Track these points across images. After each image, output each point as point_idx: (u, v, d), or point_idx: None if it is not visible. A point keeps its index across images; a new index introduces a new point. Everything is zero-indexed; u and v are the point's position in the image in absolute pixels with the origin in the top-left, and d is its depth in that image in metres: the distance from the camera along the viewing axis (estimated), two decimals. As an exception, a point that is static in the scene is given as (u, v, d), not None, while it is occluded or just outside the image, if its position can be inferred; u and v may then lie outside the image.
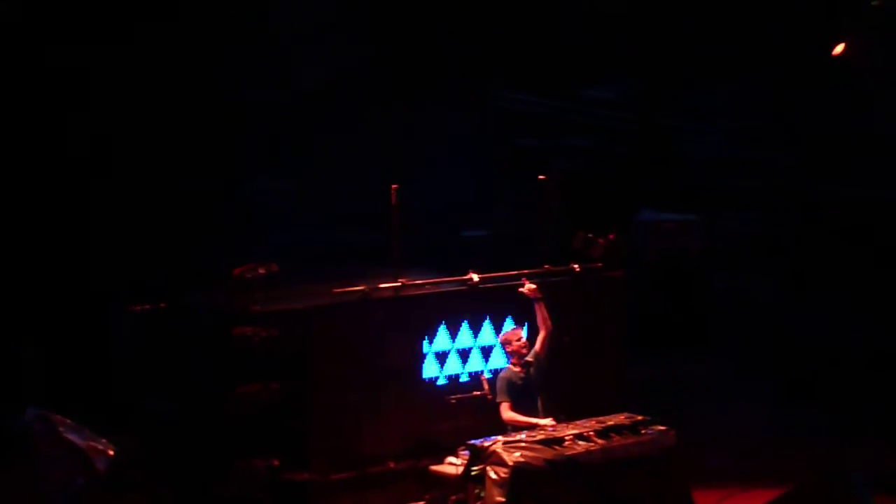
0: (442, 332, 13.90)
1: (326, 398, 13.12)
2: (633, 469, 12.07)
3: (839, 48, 14.59)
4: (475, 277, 13.95)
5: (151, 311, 12.83)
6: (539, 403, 12.68)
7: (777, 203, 20.02)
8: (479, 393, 12.70)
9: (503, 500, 11.15)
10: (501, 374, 12.80)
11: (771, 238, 19.88)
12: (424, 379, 13.76)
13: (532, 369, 12.78)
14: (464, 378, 13.84)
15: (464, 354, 14.05)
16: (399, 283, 13.63)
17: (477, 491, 11.67)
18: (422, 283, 13.91)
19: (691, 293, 19.25)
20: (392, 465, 13.49)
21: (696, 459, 13.50)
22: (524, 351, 12.75)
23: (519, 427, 12.38)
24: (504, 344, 13.02)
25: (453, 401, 12.66)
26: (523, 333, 12.97)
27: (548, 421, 12.48)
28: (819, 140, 20.22)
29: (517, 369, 12.72)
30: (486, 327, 14.18)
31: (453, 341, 13.94)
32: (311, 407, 13.06)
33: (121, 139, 15.32)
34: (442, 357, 13.91)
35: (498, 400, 12.60)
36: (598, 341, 14.83)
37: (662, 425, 12.58)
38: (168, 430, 12.74)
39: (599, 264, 14.77)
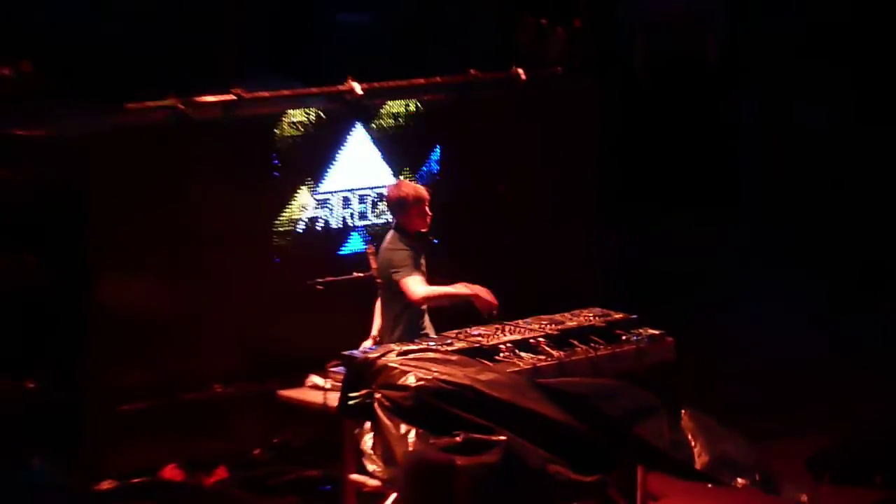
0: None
1: (113, 279, 10.67)
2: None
3: None
4: (358, 88, 11.52)
5: None
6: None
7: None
8: (361, 274, 10.15)
9: (403, 432, 8.69)
10: (397, 246, 10.32)
11: (824, 40, 16.55)
12: (272, 252, 11.40)
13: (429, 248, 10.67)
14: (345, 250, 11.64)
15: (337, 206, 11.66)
16: (233, 97, 11.02)
17: (357, 430, 9.15)
18: (270, 96, 11.32)
19: (704, 120, 16.39)
20: (219, 388, 11.13)
21: (698, 382, 11.14)
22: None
23: (438, 301, 10.03)
24: (415, 201, 10.34)
25: (319, 286, 10.19)
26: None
27: (480, 290, 9.97)
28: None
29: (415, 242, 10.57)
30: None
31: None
32: (88, 293, 10.65)
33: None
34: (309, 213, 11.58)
35: (402, 276, 10.06)
36: (556, 195, 12.73)
37: (655, 329, 10.09)
38: None
39: (557, 68, 12.60)
